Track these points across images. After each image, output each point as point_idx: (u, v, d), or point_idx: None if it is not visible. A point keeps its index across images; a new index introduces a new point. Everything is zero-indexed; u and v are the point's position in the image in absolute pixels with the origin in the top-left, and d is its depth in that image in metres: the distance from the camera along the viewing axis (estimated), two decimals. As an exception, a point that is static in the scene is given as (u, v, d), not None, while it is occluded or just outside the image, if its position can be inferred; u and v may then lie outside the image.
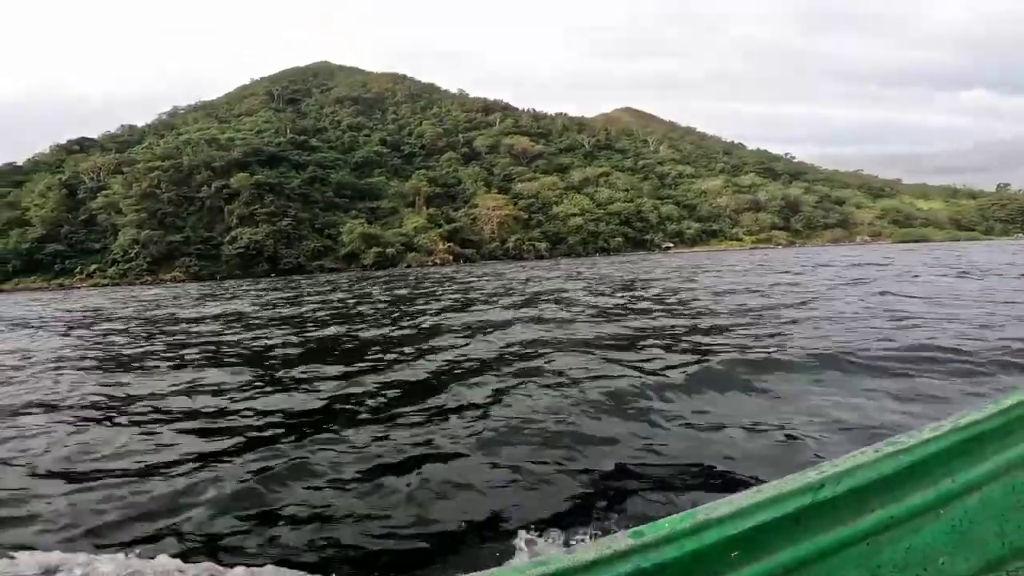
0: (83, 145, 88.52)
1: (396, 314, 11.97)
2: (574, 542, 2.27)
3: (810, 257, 34.47)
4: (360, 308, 13.99)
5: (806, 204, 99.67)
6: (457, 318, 10.31)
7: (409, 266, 59.57)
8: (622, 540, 0.65)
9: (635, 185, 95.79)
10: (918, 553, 0.81)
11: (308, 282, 34.90)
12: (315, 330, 9.94)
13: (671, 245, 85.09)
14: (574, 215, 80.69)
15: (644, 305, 11.04)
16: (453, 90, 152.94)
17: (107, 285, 50.18)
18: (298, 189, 68.19)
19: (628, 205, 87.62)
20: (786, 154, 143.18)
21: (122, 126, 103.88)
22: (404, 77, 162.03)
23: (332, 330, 9.73)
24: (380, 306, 14.25)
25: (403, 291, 20.17)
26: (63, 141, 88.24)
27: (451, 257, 64.41)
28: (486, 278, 26.29)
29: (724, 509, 0.71)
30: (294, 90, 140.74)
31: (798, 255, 40.14)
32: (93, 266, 53.88)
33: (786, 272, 19.56)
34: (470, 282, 23.45)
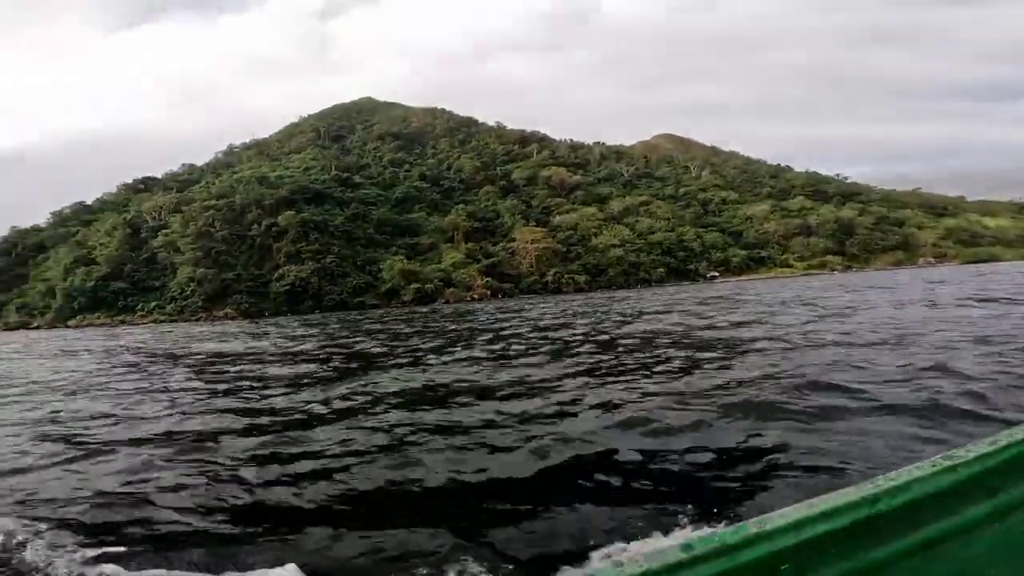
0: (147, 184, 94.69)
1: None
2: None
3: (891, 282, 31.63)
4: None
5: (861, 226, 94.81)
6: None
7: (447, 301, 59.69)
8: (672, 553, 0.65)
9: (676, 213, 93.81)
10: (970, 566, 0.81)
11: (345, 318, 34.90)
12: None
13: (716, 274, 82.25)
14: (614, 246, 79.40)
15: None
16: (491, 123, 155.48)
17: (164, 321, 52.50)
18: (341, 226, 70.15)
19: (670, 234, 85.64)
20: (838, 175, 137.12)
21: (183, 165, 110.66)
22: (443, 111, 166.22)
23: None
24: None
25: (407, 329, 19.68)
26: (129, 180, 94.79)
27: (489, 292, 64.21)
28: (502, 313, 25.73)
29: (777, 522, 0.70)
30: (339, 127, 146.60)
31: (870, 280, 36.91)
32: (153, 303, 56.66)
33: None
34: (484, 320, 23.00)
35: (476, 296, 62.81)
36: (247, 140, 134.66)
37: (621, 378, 7.24)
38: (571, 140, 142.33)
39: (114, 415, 7.04)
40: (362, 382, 8.49)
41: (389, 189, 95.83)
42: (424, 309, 48.13)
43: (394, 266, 63.30)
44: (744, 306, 19.66)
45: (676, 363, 8.26)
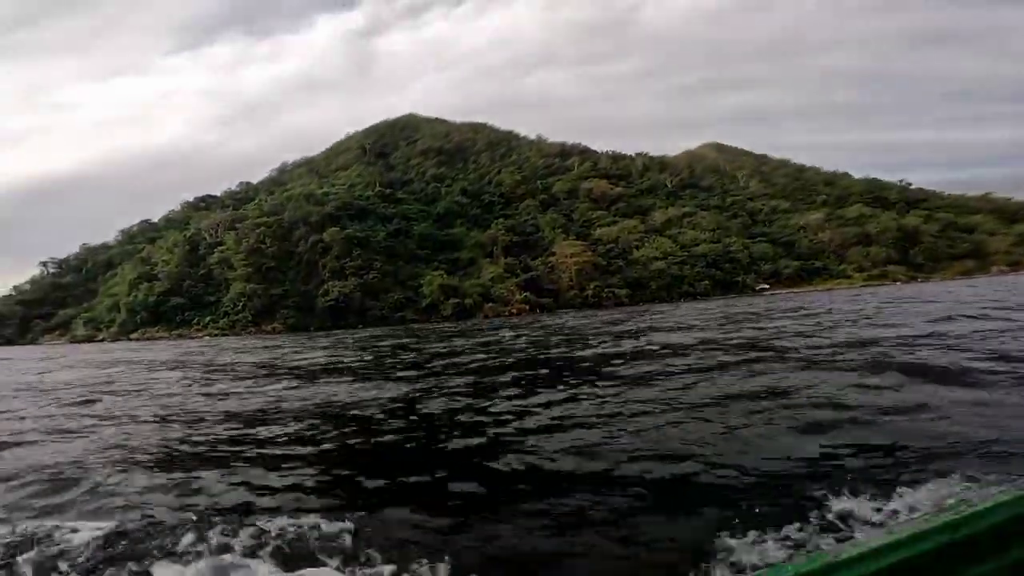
0: (207, 202, 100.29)
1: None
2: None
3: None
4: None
5: (926, 234, 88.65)
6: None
7: (486, 316, 59.67)
8: None
9: (722, 224, 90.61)
10: None
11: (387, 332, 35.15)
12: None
13: (767, 286, 78.67)
14: (656, 259, 77.42)
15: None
16: (532, 136, 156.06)
17: (217, 335, 55.02)
18: (383, 242, 71.71)
19: (715, 246, 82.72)
20: (900, 181, 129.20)
21: (240, 183, 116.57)
22: (484, 126, 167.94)
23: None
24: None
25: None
26: (190, 198, 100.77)
27: (527, 307, 63.79)
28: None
29: (854, 551, 0.68)
30: (383, 143, 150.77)
31: (940, 292, 33.77)
32: (208, 318, 59.56)
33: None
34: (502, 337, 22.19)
35: (514, 311, 62.52)
36: (298, 157, 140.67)
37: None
38: (612, 151, 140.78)
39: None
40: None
41: (431, 204, 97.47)
42: (451, 325, 48.04)
43: (433, 281, 64.00)
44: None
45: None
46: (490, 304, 63.24)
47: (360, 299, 61.44)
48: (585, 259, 73.08)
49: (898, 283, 75.61)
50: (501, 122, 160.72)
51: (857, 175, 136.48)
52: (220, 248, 69.23)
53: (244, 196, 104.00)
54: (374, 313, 60.64)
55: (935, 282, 70.76)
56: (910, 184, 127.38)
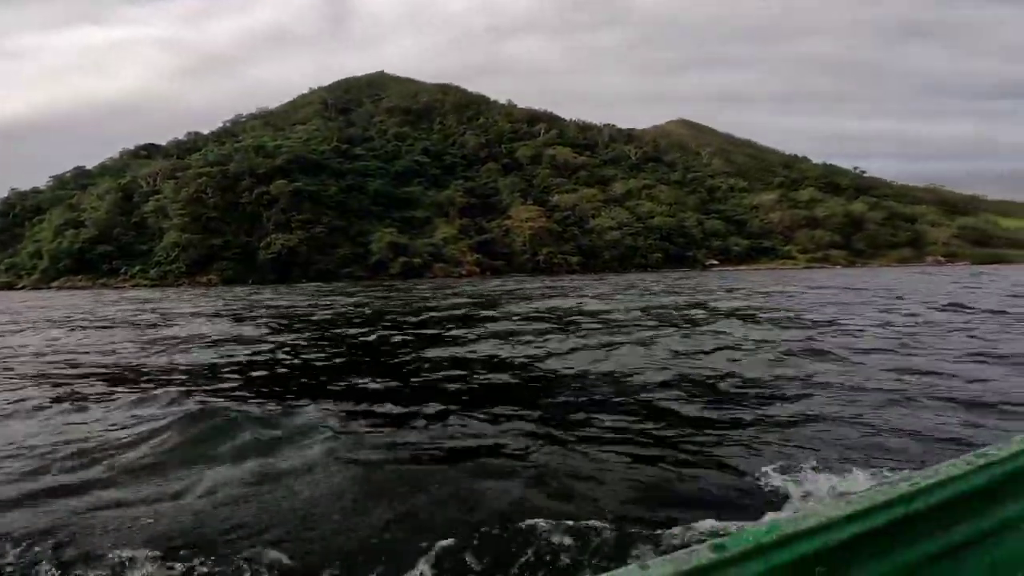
0: (149, 151, 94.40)
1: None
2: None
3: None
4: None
5: (871, 221, 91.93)
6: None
7: (434, 276, 58.94)
8: (703, 553, 0.63)
9: (680, 199, 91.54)
10: (1004, 566, 0.80)
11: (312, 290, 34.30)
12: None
13: (716, 263, 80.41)
14: (611, 229, 77.78)
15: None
16: (502, 101, 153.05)
17: (145, 286, 52.40)
18: (335, 197, 69.37)
19: (670, 220, 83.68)
20: (855, 168, 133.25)
21: (188, 133, 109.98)
22: (455, 88, 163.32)
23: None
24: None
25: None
26: (131, 147, 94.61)
27: (478, 269, 63.30)
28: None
29: (812, 521, 0.68)
30: (348, 100, 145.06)
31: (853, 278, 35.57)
32: (137, 268, 56.60)
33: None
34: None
35: (465, 273, 61.96)
36: (254, 110, 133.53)
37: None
38: (581, 121, 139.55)
39: None
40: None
41: (390, 162, 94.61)
42: (402, 285, 47.34)
43: (383, 238, 62.56)
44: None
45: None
46: (440, 264, 62.43)
47: (306, 253, 59.54)
48: (540, 224, 72.77)
49: (838, 266, 78.51)
50: (476, 87, 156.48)
51: (817, 160, 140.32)
52: (156, 197, 65.44)
53: (191, 146, 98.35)
54: (319, 268, 58.92)
55: (871, 268, 73.78)
56: (864, 172, 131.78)
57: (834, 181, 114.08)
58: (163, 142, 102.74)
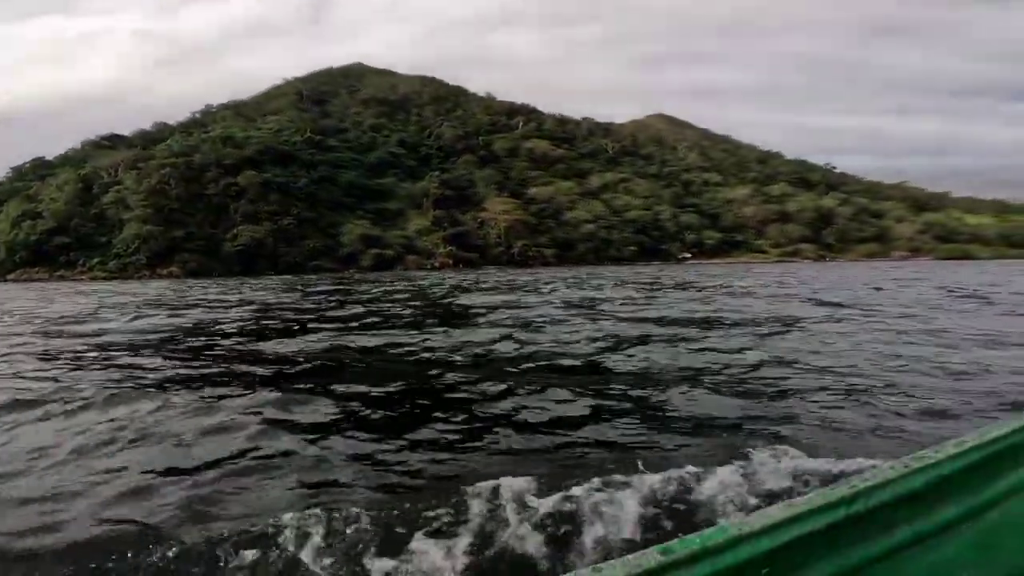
0: (112, 141, 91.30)
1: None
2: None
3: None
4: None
5: (840, 216, 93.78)
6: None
7: (406, 268, 58.32)
8: (651, 557, 0.63)
9: (655, 192, 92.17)
10: (942, 568, 0.80)
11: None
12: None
13: (689, 255, 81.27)
14: (587, 222, 77.93)
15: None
16: (481, 93, 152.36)
17: (104, 278, 50.76)
18: (305, 188, 68.03)
19: (645, 213, 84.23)
20: (827, 164, 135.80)
21: (155, 123, 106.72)
22: (433, 80, 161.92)
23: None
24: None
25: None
26: (93, 137, 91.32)
27: (451, 261, 62.84)
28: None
29: (757, 524, 0.69)
30: (323, 91, 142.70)
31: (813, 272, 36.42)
32: (96, 260, 54.79)
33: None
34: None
35: (438, 265, 61.44)
36: (225, 101, 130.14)
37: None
38: (560, 114, 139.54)
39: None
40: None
41: (365, 153, 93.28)
42: (372, 276, 46.79)
43: (354, 230, 61.63)
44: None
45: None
46: (412, 256, 61.79)
47: (273, 245, 58.30)
48: (515, 216, 72.49)
49: (807, 260, 79.95)
50: (457, 80, 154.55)
51: (791, 156, 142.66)
52: (116, 188, 63.29)
53: (157, 137, 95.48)
54: (287, 260, 57.78)
55: (839, 262, 75.29)
56: (835, 168, 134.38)
57: (806, 177, 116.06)
58: (127, 132, 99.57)
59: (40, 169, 77.91)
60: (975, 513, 0.84)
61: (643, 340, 7.56)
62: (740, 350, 6.69)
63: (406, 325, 10.03)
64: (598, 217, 79.09)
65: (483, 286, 23.68)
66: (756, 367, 5.71)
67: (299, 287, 27.25)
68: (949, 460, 0.83)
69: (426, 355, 6.71)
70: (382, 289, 23.13)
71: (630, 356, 6.50)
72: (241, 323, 11.10)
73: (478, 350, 6.94)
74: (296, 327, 10.24)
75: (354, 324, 10.25)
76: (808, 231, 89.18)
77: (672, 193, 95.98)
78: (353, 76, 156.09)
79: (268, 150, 72.20)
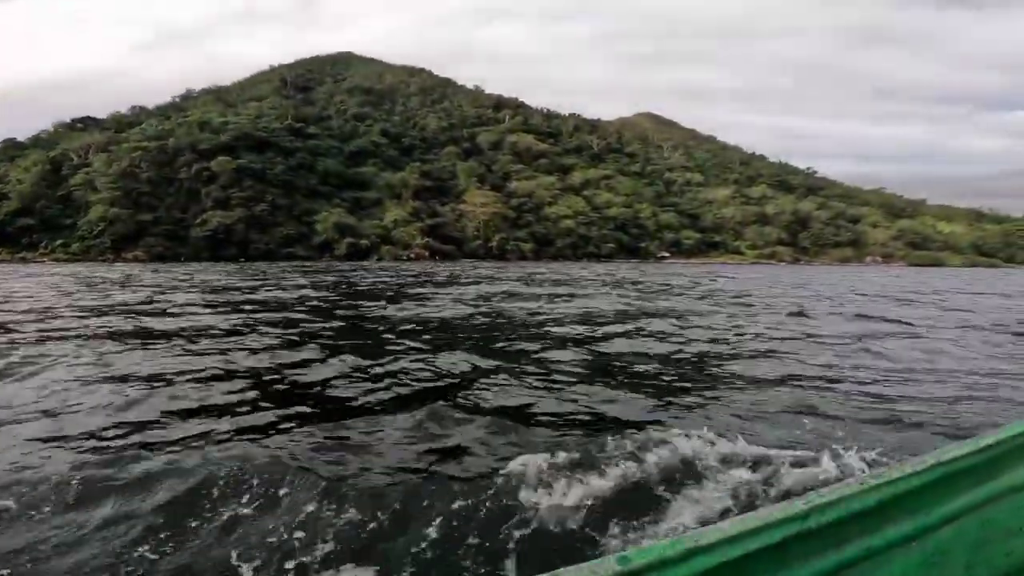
0: (86, 124, 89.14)
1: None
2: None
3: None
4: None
5: (817, 220, 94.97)
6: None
7: (380, 259, 57.89)
8: (608, 565, 0.64)
9: (637, 190, 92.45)
10: None
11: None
12: None
13: (667, 255, 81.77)
14: (566, 217, 77.95)
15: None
16: (470, 86, 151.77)
17: (66, 261, 49.66)
18: (281, 175, 67.06)
19: (626, 210, 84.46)
20: (808, 168, 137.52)
21: (132, 107, 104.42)
22: (422, 71, 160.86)
23: None
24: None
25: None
26: (67, 120, 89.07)
27: (427, 253, 62.52)
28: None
29: (713, 536, 0.70)
30: (308, 78, 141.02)
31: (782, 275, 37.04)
32: (59, 242, 53.55)
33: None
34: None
35: (413, 256, 61.08)
36: (207, 86, 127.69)
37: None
38: (547, 110, 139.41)
39: None
40: None
41: (345, 142, 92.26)
42: (345, 266, 46.51)
43: (328, 219, 60.98)
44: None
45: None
46: (387, 247, 61.33)
47: (244, 231, 57.41)
48: (494, 210, 72.25)
49: (783, 263, 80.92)
50: (450, 73, 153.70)
51: (774, 159, 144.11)
52: (85, 170, 61.78)
53: (133, 120, 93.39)
54: (258, 247, 56.98)
55: (814, 265, 76.34)
56: (815, 172, 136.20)
57: (787, 180, 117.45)
58: (103, 115, 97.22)
59: (11, 151, 75.77)
60: (927, 530, 0.85)
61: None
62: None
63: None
64: (578, 213, 79.15)
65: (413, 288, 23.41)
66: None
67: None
68: (905, 479, 0.84)
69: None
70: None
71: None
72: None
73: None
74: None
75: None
76: (785, 234, 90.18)
77: (654, 192, 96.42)
78: (340, 64, 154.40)
79: (245, 136, 70.96)
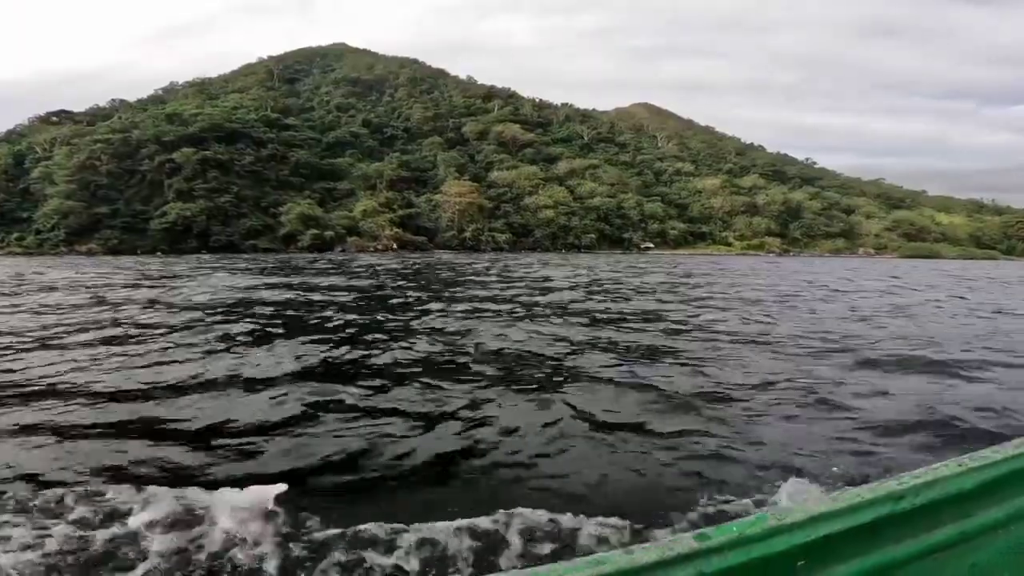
0: (61, 118, 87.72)
1: None
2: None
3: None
4: None
5: (809, 210, 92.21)
6: None
7: (344, 250, 56.18)
8: (685, 542, 0.63)
9: (622, 179, 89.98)
10: (981, 571, 0.79)
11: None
12: None
13: (651, 246, 79.47)
14: (546, 207, 75.76)
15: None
16: (462, 76, 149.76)
17: (19, 254, 48.24)
18: (249, 166, 65.31)
19: (610, 200, 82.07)
20: (806, 159, 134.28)
21: (112, 100, 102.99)
22: (414, 62, 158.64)
23: None
24: None
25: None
26: (42, 113, 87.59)
27: (396, 244, 60.71)
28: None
29: (798, 515, 0.68)
30: (297, 70, 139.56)
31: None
32: (14, 235, 52.15)
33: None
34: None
35: (381, 248, 59.32)
36: (191, 78, 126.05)
37: None
38: (539, 99, 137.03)
39: None
40: None
41: (325, 133, 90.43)
42: (307, 256, 44.92)
43: (292, 210, 59.26)
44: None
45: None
46: (355, 238, 59.56)
47: (204, 223, 55.74)
48: (470, 200, 70.20)
49: (772, 254, 78.47)
50: (452, 65, 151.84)
51: (772, 150, 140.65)
52: (45, 163, 60.30)
53: (110, 114, 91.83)
54: (219, 239, 55.34)
55: (802, 257, 73.76)
56: (814, 163, 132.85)
57: (782, 170, 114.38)
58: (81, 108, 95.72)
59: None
60: (1018, 518, 0.81)
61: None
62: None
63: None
64: (559, 203, 76.93)
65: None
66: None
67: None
68: (1005, 461, 0.81)
69: None
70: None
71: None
72: None
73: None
74: None
75: None
76: (775, 224, 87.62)
77: (641, 182, 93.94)
78: (332, 56, 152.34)
79: (214, 127, 69.14)
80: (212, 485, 2.80)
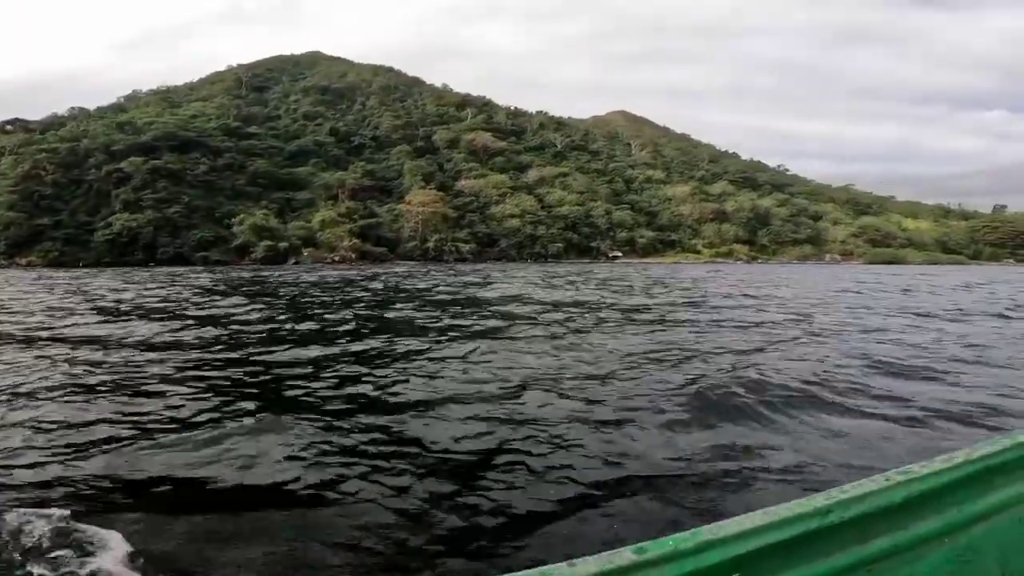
0: (16, 127, 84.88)
1: None
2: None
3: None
4: None
5: (777, 217, 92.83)
6: None
7: (297, 262, 54.62)
8: (624, 555, 0.64)
9: (591, 187, 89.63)
10: None
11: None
12: None
13: (619, 254, 79.04)
14: (513, 216, 74.95)
15: None
16: (438, 84, 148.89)
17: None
18: (203, 176, 63.46)
19: (578, 208, 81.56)
20: (778, 166, 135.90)
21: (71, 108, 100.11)
22: (389, 69, 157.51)
23: None
24: None
25: None
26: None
27: (354, 256, 59.28)
28: None
29: (730, 529, 0.70)
30: (268, 78, 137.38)
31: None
32: (-51, 248, 49.78)
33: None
34: None
35: (338, 259, 57.85)
36: (155, 86, 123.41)
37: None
38: (514, 108, 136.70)
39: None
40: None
41: (289, 142, 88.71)
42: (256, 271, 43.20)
43: (245, 220, 57.56)
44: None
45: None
46: (311, 249, 58.02)
47: (152, 235, 53.81)
48: (434, 209, 69.08)
49: (739, 261, 78.53)
50: (430, 73, 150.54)
51: (746, 157, 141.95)
52: (-8, 175, 57.98)
53: (66, 122, 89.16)
54: (167, 251, 53.43)
55: (770, 264, 73.93)
56: (786, 170, 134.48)
57: (753, 177, 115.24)
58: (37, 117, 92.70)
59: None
60: (957, 528, 0.83)
61: None
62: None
63: None
64: (525, 212, 76.18)
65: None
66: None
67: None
68: (933, 475, 0.82)
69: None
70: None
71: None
72: None
73: None
74: None
75: None
76: (743, 231, 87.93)
77: (612, 190, 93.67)
78: (304, 64, 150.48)
79: (168, 136, 67.21)
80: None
